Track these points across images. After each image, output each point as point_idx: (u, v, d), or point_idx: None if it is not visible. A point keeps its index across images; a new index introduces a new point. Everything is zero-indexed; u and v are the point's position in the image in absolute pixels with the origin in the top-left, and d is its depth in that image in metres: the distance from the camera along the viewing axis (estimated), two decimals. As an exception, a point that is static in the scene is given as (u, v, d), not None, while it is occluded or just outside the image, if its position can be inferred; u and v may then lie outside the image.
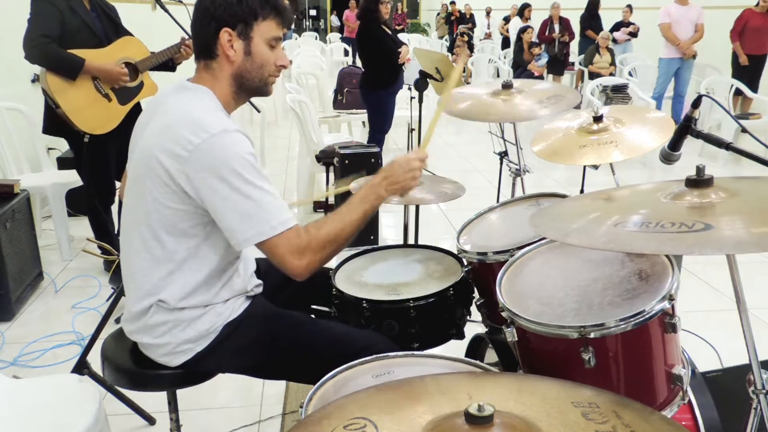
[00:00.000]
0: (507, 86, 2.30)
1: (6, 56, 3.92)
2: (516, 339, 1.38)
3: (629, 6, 9.81)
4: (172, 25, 3.14)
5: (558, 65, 9.74)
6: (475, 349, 1.93)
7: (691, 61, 7.08)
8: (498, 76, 11.28)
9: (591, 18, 10.18)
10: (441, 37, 16.24)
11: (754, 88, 6.91)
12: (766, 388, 1.16)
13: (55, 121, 3.13)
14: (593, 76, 8.42)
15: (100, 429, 1.60)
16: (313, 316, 1.88)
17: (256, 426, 2.29)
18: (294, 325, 1.64)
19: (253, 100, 2.04)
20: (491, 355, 1.88)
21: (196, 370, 1.62)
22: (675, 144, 1.55)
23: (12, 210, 3.08)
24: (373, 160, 3.94)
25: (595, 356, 1.24)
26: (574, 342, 1.25)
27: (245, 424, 2.28)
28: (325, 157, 4.33)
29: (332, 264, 1.91)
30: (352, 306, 1.75)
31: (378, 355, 1.44)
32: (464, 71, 11.44)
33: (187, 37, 3.32)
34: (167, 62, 3.27)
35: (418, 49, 6.17)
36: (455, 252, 1.93)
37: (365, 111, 5.33)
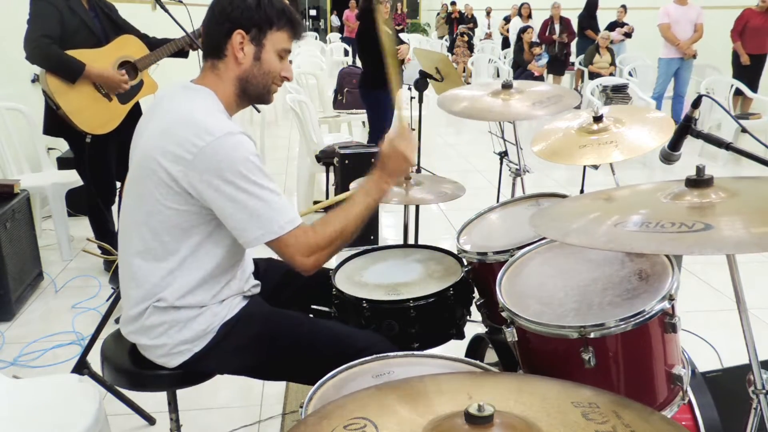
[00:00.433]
0: (507, 86, 2.30)
1: (6, 56, 3.92)
2: (516, 339, 1.38)
3: (623, 6, 9.83)
4: (172, 25, 3.13)
5: (558, 65, 9.74)
6: (475, 349, 1.93)
7: (691, 61, 7.08)
8: (498, 76, 11.29)
9: (590, 18, 10.18)
10: (441, 37, 16.23)
11: (754, 88, 6.91)
12: (766, 388, 1.15)
13: (55, 122, 3.13)
14: (593, 76, 8.42)
15: (100, 429, 1.60)
16: (311, 315, 1.88)
17: (256, 426, 2.29)
18: (292, 325, 1.64)
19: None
20: (491, 355, 1.88)
21: (196, 371, 1.62)
22: (675, 144, 1.55)
23: (12, 210, 3.08)
24: (373, 160, 3.93)
25: (595, 356, 1.24)
26: (574, 342, 1.25)
27: (245, 424, 2.28)
28: (325, 157, 4.33)
29: (332, 264, 1.91)
30: (352, 306, 1.75)
31: (378, 355, 1.44)
32: (464, 71, 11.45)
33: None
34: (178, 51, 3.27)
35: (418, 49, 6.17)
36: (455, 252, 1.93)
37: (365, 111, 5.33)
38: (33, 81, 4.26)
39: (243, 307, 1.63)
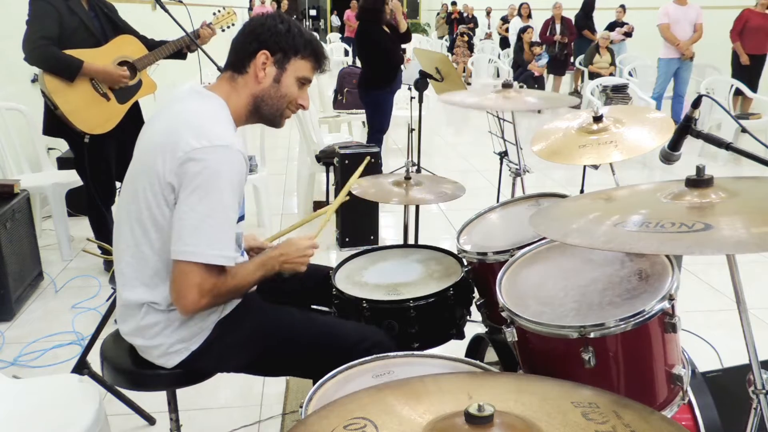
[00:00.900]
0: (507, 86, 2.31)
1: (6, 56, 3.92)
2: (516, 339, 1.38)
3: (622, 6, 9.82)
4: (172, 25, 3.14)
5: (559, 65, 9.74)
6: (475, 349, 1.93)
7: (690, 62, 7.08)
8: (498, 76, 11.30)
9: (586, 18, 10.18)
10: (441, 37, 16.23)
11: (754, 88, 6.91)
12: (766, 388, 1.15)
13: (55, 122, 3.13)
14: (593, 76, 8.42)
15: (100, 429, 1.60)
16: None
17: (256, 426, 2.29)
18: (286, 318, 1.65)
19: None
20: (491, 355, 1.88)
21: (195, 370, 1.62)
22: (675, 144, 1.55)
23: (12, 210, 3.08)
24: (372, 160, 3.94)
25: (595, 356, 1.24)
26: (574, 342, 1.25)
27: (245, 424, 2.28)
28: (325, 157, 4.33)
29: (332, 264, 1.91)
30: (352, 306, 1.75)
31: (378, 355, 1.44)
32: (464, 71, 11.45)
33: (207, 22, 3.32)
34: (176, 52, 3.28)
35: (418, 49, 6.17)
36: (455, 252, 1.93)
37: (365, 111, 5.33)
38: (33, 81, 4.26)
39: (238, 304, 1.63)
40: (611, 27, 9.78)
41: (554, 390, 0.97)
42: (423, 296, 1.73)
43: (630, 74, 8.35)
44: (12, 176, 3.71)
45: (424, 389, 0.98)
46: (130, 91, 3.22)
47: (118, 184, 3.49)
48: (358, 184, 2.30)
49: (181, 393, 1.74)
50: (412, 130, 4.82)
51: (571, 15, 10.16)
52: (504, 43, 12.83)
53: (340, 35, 15.49)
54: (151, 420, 2.28)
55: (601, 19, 10.24)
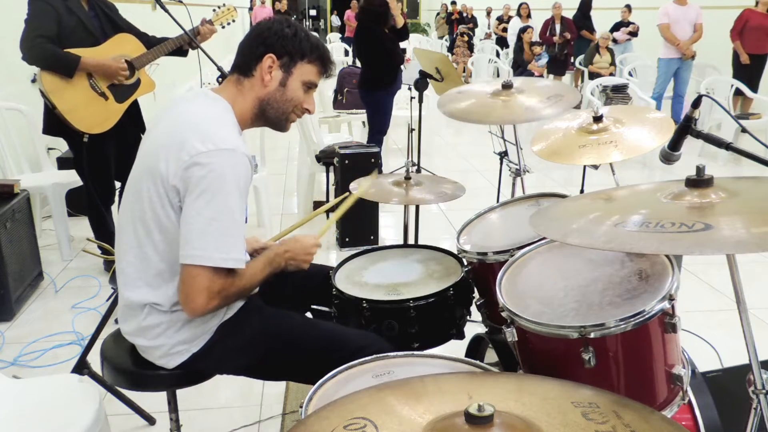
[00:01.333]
0: (507, 86, 2.30)
1: (6, 56, 3.92)
2: (516, 339, 1.38)
3: (628, 6, 9.81)
4: (172, 24, 3.14)
5: (559, 65, 9.74)
6: (475, 349, 1.93)
7: (691, 61, 7.08)
8: (498, 76, 11.29)
9: (584, 18, 10.18)
10: (441, 37, 16.23)
11: (755, 88, 6.91)
12: (766, 388, 1.16)
13: (54, 122, 3.13)
14: (593, 76, 8.42)
15: (100, 429, 1.60)
16: (309, 315, 1.88)
17: (256, 426, 2.29)
18: (289, 324, 1.65)
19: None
20: (491, 355, 1.88)
21: (195, 371, 1.62)
22: (675, 144, 1.55)
23: (12, 210, 3.08)
24: (372, 160, 3.94)
25: (595, 356, 1.24)
26: (574, 342, 1.25)
27: (245, 424, 2.28)
28: (325, 157, 4.33)
29: (332, 264, 1.91)
30: (352, 306, 1.75)
31: (378, 355, 1.44)
32: (464, 71, 11.45)
33: (207, 19, 3.32)
34: (176, 50, 3.27)
35: (418, 49, 6.17)
36: (455, 252, 1.93)
37: (365, 111, 5.33)
38: (33, 81, 4.25)
39: (240, 307, 1.63)
40: (617, 27, 9.77)
41: (554, 390, 0.97)
42: (423, 296, 1.73)
43: (630, 74, 8.35)
44: (12, 176, 3.71)
45: (424, 389, 0.98)
46: (128, 90, 3.22)
47: (117, 183, 3.49)
48: (358, 184, 2.30)
49: (181, 393, 1.74)
50: (412, 130, 4.83)
51: (570, 15, 10.16)
52: (501, 43, 12.82)
53: (340, 35, 15.49)
54: (151, 420, 2.28)
55: (604, 19, 10.23)
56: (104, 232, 3.41)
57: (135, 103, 3.30)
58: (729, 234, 0.95)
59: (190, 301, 1.46)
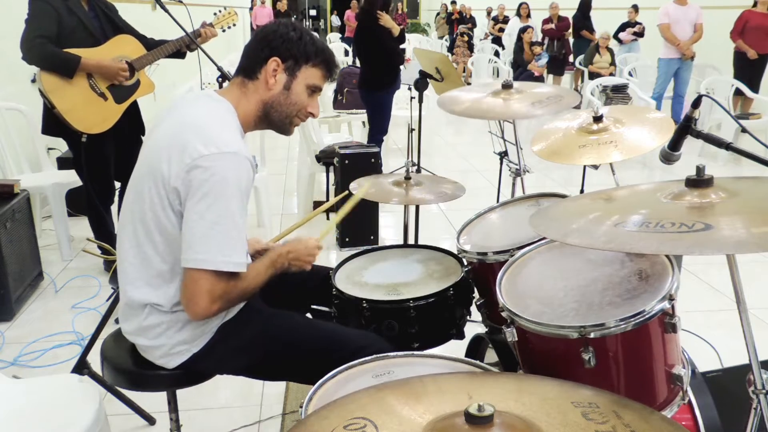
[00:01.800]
0: (507, 86, 2.30)
1: (6, 56, 3.92)
2: (516, 339, 1.38)
3: (635, 6, 9.79)
4: (172, 25, 3.14)
5: (558, 65, 9.75)
6: (475, 349, 1.93)
7: (691, 62, 7.08)
8: (498, 76, 11.30)
9: (584, 18, 10.19)
10: (441, 37, 16.23)
11: (755, 88, 6.90)
12: (766, 388, 1.16)
13: (53, 122, 3.13)
14: (593, 76, 8.42)
15: (100, 429, 1.60)
16: (309, 315, 1.88)
17: (256, 426, 2.29)
18: (290, 325, 1.65)
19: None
20: (491, 355, 1.88)
21: (195, 371, 1.62)
22: (675, 144, 1.55)
23: (12, 210, 3.08)
24: (373, 160, 3.94)
25: (595, 356, 1.24)
26: (574, 342, 1.25)
27: (245, 424, 2.28)
28: (325, 157, 4.33)
29: (332, 264, 1.91)
30: (352, 306, 1.75)
31: (378, 355, 1.44)
32: (464, 71, 11.45)
33: (207, 22, 3.33)
34: (175, 52, 3.28)
35: (418, 49, 6.17)
36: (455, 252, 1.93)
37: (365, 111, 5.33)
38: (33, 81, 4.25)
39: (241, 308, 1.63)
40: (623, 27, 9.77)
41: (554, 390, 0.97)
42: (423, 296, 1.73)
43: (630, 74, 8.35)
44: (12, 176, 3.71)
45: (423, 389, 0.98)
46: (127, 90, 3.22)
47: (117, 184, 3.49)
48: (358, 184, 2.30)
49: (181, 393, 1.74)
50: (412, 130, 4.83)
51: (569, 15, 10.18)
52: (497, 43, 12.82)
53: (340, 35, 15.49)
54: (151, 420, 2.28)
55: (607, 19, 10.23)
56: (104, 232, 3.41)
57: (134, 104, 3.30)
58: (729, 234, 0.95)
59: (193, 305, 1.46)
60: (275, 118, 1.62)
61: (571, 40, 10.32)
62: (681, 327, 1.28)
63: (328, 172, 4.38)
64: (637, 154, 1.81)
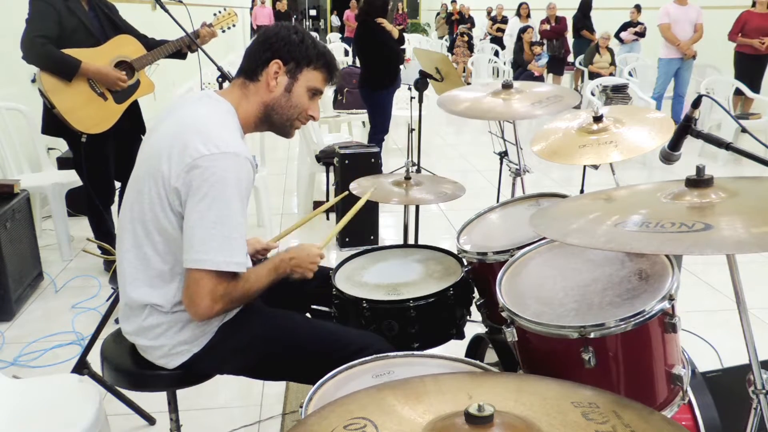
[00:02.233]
0: (507, 86, 2.30)
1: (6, 56, 3.92)
2: (516, 339, 1.38)
3: (637, 6, 9.79)
4: (172, 25, 3.14)
5: (557, 64, 9.74)
6: (475, 349, 1.93)
7: (691, 61, 7.08)
8: (497, 76, 11.30)
9: (584, 18, 10.19)
10: (441, 37, 16.23)
11: (756, 88, 6.90)
12: (766, 388, 1.16)
13: (53, 122, 3.13)
14: (593, 76, 8.42)
15: (100, 429, 1.60)
16: (309, 315, 1.88)
17: (256, 426, 2.29)
18: (290, 325, 1.65)
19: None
20: (491, 355, 1.88)
21: (195, 371, 1.62)
22: (675, 144, 1.55)
23: (12, 210, 3.08)
24: (372, 160, 3.94)
25: (595, 356, 1.24)
26: (574, 342, 1.25)
27: (245, 424, 2.28)
28: (325, 157, 4.33)
29: (332, 264, 1.91)
30: (352, 306, 1.75)
31: (378, 355, 1.44)
32: (464, 71, 11.45)
33: (207, 23, 3.33)
34: (176, 52, 3.28)
35: (418, 49, 6.17)
36: (455, 252, 1.93)
37: (365, 111, 5.33)
38: (33, 81, 4.25)
39: (242, 308, 1.63)
40: (624, 27, 9.76)
41: (554, 390, 0.97)
42: (423, 296, 1.73)
43: (630, 74, 8.34)
44: (12, 176, 3.71)
45: (424, 389, 0.98)
46: (127, 91, 3.22)
47: (117, 184, 3.49)
48: (358, 184, 2.30)
49: (181, 393, 1.74)
50: (412, 130, 4.82)
51: (567, 15, 10.19)
52: (495, 43, 12.82)
53: (340, 35, 15.49)
54: (151, 420, 2.28)
55: (607, 19, 10.22)
56: (104, 232, 3.41)
57: (135, 104, 3.30)
58: (729, 234, 0.95)
59: (195, 305, 1.46)
60: (276, 121, 1.63)
61: (571, 39, 10.32)
62: (681, 327, 1.29)
63: (328, 172, 4.38)
64: (637, 154, 1.81)
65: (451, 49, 13.37)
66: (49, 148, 4.34)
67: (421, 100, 4.51)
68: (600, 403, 0.91)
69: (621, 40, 9.63)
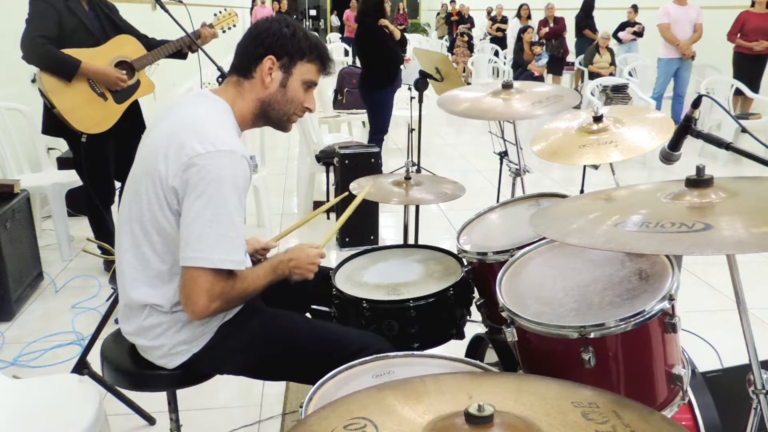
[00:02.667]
0: (507, 86, 2.30)
1: (6, 56, 3.92)
2: (516, 339, 1.38)
3: (634, 6, 9.80)
4: (172, 25, 3.14)
5: (556, 64, 9.75)
6: (475, 349, 1.93)
7: (690, 62, 7.08)
8: (498, 76, 11.30)
9: (587, 18, 10.19)
10: (441, 37, 16.23)
11: (755, 88, 6.90)
12: (766, 388, 1.16)
13: (53, 122, 3.13)
14: (593, 76, 8.42)
15: (100, 429, 1.60)
16: (309, 315, 1.88)
17: (256, 426, 2.29)
18: (290, 325, 1.65)
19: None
20: (491, 355, 1.88)
21: (195, 371, 1.62)
22: (675, 144, 1.55)
23: (12, 210, 3.08)
24: (373, 160, 3.94)
25: (595, 356, 1.24)
26: (574, 342, 1.25)
27: (245, 424, 2.28)
28: (325, 157, 4.33)
29: (332, 264, 1.91)
30: (352, 306, 1.75)
31: (378, 355, 1.44)
32: (464, 71, 11.45)
33: (207, 23, 3.33)
34: (176, 52, 3.28)
35: (418, 49, 6.17)
36: (455, 252, 1.93)
37: (365, 111, 5.33)
38: (33, 81, 4.25)
39: (241, 308, 1.63)
40: (622, 27, 9.77)
41: (554, 390, 0.97)
42: (423, 296, 1.73)
43: (630, 74, 8.34)
44: (12, 176, 3.71)
45: (424, 389, 0.98)
46: (127, 91, 3.22)
47: (117, 184, 3.49)
48: (358, 184, 2.30)
49: (181, 393, 1.74)
50: (412, 130, 4.82)
51: (568, 15, 10.19)
52: (496, 42, 12.81)
53: (340, 35, 15.48)
54: (151, 420, 2.28)
55: (606, 19, 10.23)
56: (104, 232, 3.41)
57: (135, 104, 3.30)
58: (729, 234, 0.95)
59: (192, 304, 1.46)
60: (273, 116, 1.63)
61: (574, 39, 10.32)
62: (681, 327, 1.29)
63: (328, 172, 4.38)
64: (637, 154, 1.81)
65: (451, 49, 13.38)
66: (49, 148, 4.34)
67: (421, 100, 4.51)
68: (600, 403, 0.91)
69: (619, 40, 9.63)
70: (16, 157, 3.84)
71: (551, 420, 0.87)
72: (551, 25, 9.91)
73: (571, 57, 10.46)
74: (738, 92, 6.63)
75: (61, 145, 4.31)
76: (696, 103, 1.46)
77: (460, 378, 1.07)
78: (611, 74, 8.45)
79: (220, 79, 3.28)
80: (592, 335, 1.24)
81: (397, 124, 5.70)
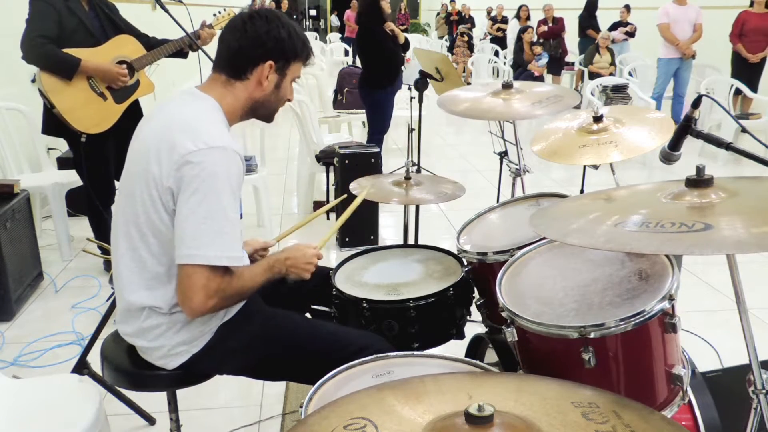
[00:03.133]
0: (507, 86, 2.30)
1: (6, 56, 3.92)
2: (516, 339, 1.38)
3: (627, 6, 9.82)
4: (172, 25, 3.14)
5: (555, 64, 9.75)
6: (475, 349, 1.93)
7: (691, 61, 7.08)
8: (498, 76, 11.31)
9: (590, 17, 10.20)
10: (441, 37, 16.23)
11: (754, 88, 6.90)
12: (766, 388, 1.16)
13: (53, 122, 3.13)
14: (593, 76, 8.42)
15: (100, 429, 1.60)
16: (309, 315, 1.88)
17: (256, 426, 2.29)
18: (290, 325, 1.65)
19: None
20: (491, 355, 1.88)
21: (195, 371, 1.62)
22: (675, 144, 1.55)
23: (12, 210, 3.08)
24: (372, 160, 3.94)
25: (595, 356, 1.24)
26: (574, 342, 1.25)
27: (245, 424, 2.28)
28: (325, 157, 4.33)
29: (332, 264, 1.90)
30: (352, 306, 1.75)
31: (378, 355, 1.44)
32: (464, 71, 11.46)
33: (207, 23, 3.32)
34: (177, 52, 3.28)
35: (418, 49, 6.17)
36: (455, 252, 1.93)
37: (365, 111, 5.33)
38: (33, 81, 4.25)
39: (241, 308, 1.63)
40: (614, 27, 9.78)
41: (554, 390, 0.97)
42: (423, 296, 1.73)
43: (630, 74, 8.34)
44: (12, 176, 3.71)
45: (424, 389, 0.98)
46: (127, 90, 3.22)
47: (117, 183, 3.49)
48: (358, 184, 2.30)
49: (181, 393, 1.74)
50: (412, 130, 4.82)
51: (569, 15, 10.18)
52: (496, 42, 12.82)
53: (340, 35, 15.49)
54: (151, 420, 2.28)
55: (605, 18, 10.23)
56: (104, 232, 3.41)
57: (136, 103, 3.30)
58: (729, 234, 0.95)
59: (188, 301, 1.45)
60: (262, 113, 1.65)
61: (576, 39, 10.32)
62: (681, 327, 1.29)
63: (328, 172, 4.38)
64: (637, 154, 1.81)
65: (451, 49, 13.38)
66: (49, 148, 4.34)
67: (421, 100, 4.51)
68: (600, 403, 0.91)
69: (612, 40, 9.64)
70: (16, 157, 3.84)
71: (551, 420, 0.87)
72: (550, 24, 9.91)
73: (572, 57, 10.46)
74: (738, 92, 6.63)
75: (61, 145, 4.30)
76: (696, 103, 1.46)
77: (460, 378, 1.07)
78: (611, 74, 8.45)
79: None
80: (592, 335, 1.24)
81: (397, 124, 5.70)
